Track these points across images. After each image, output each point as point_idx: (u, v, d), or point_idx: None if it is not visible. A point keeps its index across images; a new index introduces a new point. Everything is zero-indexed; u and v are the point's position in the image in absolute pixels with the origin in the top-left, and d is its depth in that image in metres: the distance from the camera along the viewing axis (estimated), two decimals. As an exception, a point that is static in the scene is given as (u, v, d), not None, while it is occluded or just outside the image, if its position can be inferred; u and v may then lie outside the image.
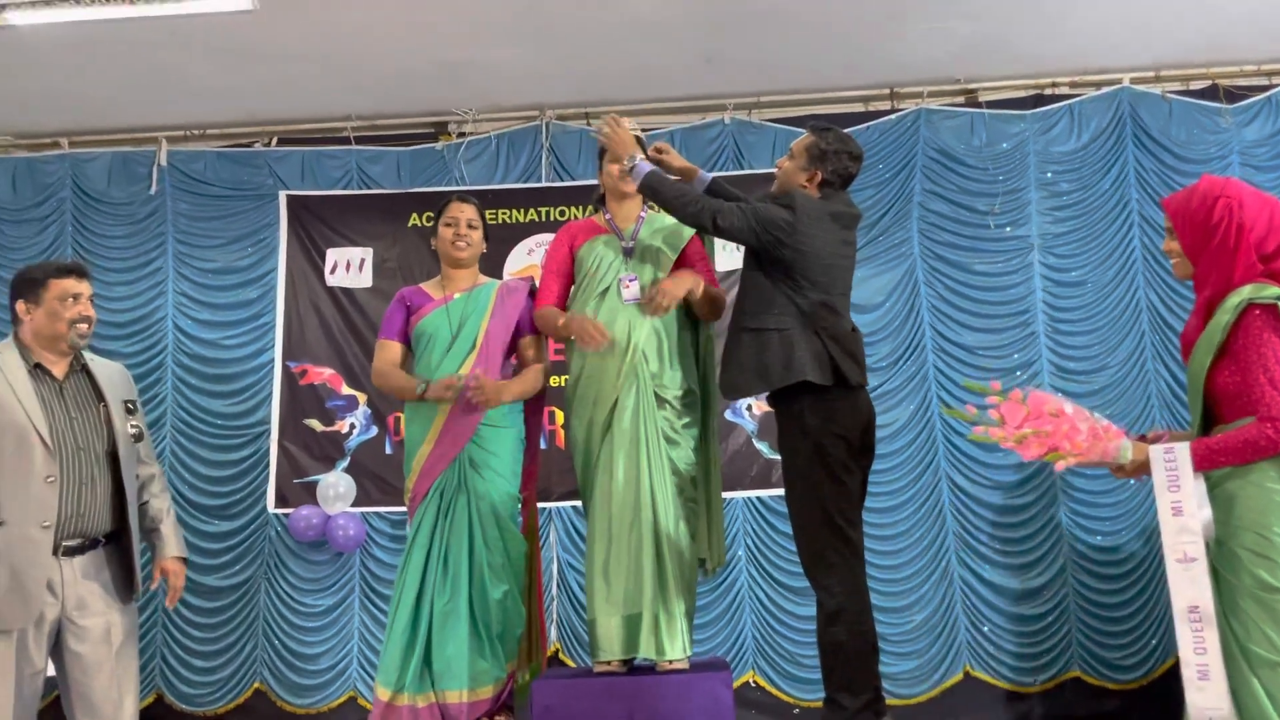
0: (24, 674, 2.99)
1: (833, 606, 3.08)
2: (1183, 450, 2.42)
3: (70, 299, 3.15)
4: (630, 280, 3.46)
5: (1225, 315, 2.41)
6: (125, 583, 3.20)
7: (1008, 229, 5.47)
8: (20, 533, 2.99)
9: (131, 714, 3.13)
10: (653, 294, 3.32)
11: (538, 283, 3.66)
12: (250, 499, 5.49)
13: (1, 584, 2.97)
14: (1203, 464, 2.42)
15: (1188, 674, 2.37)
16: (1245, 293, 2.40)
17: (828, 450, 3.12)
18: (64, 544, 3.06)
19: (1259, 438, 2.36)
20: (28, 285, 3.18)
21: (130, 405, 3.26)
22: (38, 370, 3.14)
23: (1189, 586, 2.38)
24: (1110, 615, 5.13)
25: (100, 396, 3.21)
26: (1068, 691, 5.13)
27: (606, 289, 3.48)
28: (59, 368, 3.18)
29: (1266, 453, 2.37)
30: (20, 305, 3.17)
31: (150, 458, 3.39)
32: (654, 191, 3.33)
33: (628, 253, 3.52)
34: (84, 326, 3.18)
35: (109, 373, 3.30)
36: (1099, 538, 5.20)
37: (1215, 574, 2.41)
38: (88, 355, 3.28)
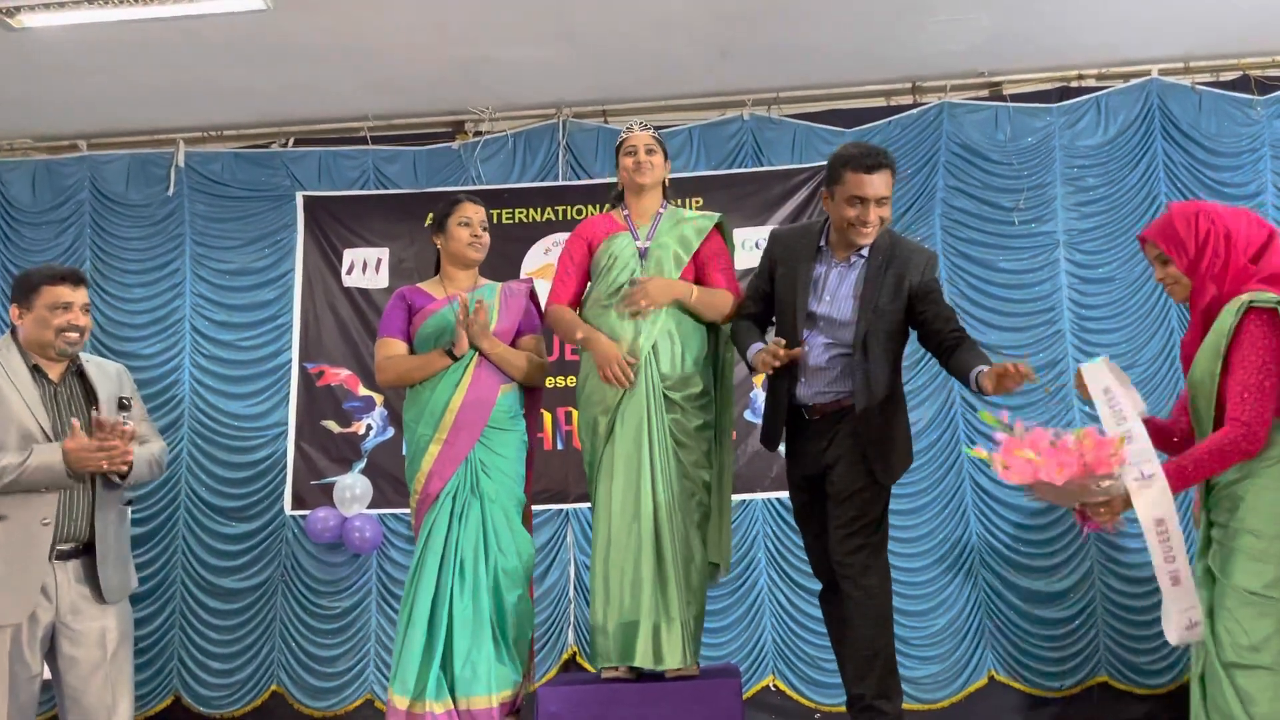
0: (19, 677, 2.99)
1: (874, 611, 3.11)
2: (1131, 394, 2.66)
3: (60, 308, 3.15)
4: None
5: (1229, 319, 2.48)
6: (117, 585, 3.19)
7: (1033, 225, 5.36)
8: (21, 528, 3.01)
9: (126, 717, 3.12)
10: (633, 293, 3.29)
11: (552, 281, 3.62)
12: (267, 501, 5.48)
13: None
14: (1179, 483, 2.49)
15: (1163, 580, 2.56)
16: (1245, 298, 2.48)
17: None
18: (58, 548, 3.06)
19: (1224, 442, 2.44)
20: (22, 289, 3.19)
21: (124, 401, 3.24)
22: (36, 371, 3.15)
23: (1153, 503, 2.52)
24: (1138, 619, 5.01)
25: (92, 401, 3.20)
26: (1094, 696, 5.01)
27: (619, 288, 3.43)
28: (54, 371, 3.19)
29: (1235, 457, 2.44)
30: (14, 309, 3.18)
31: (153, 436, 3.39)
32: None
33: (642, 253, 3.47)
34: (73, 335, 3.17)
35: (104, 373, 3.29)
36: (1127, 539, 5.08)
37: (1209, 574, 2.51)
38: (84, 357, 3.28)
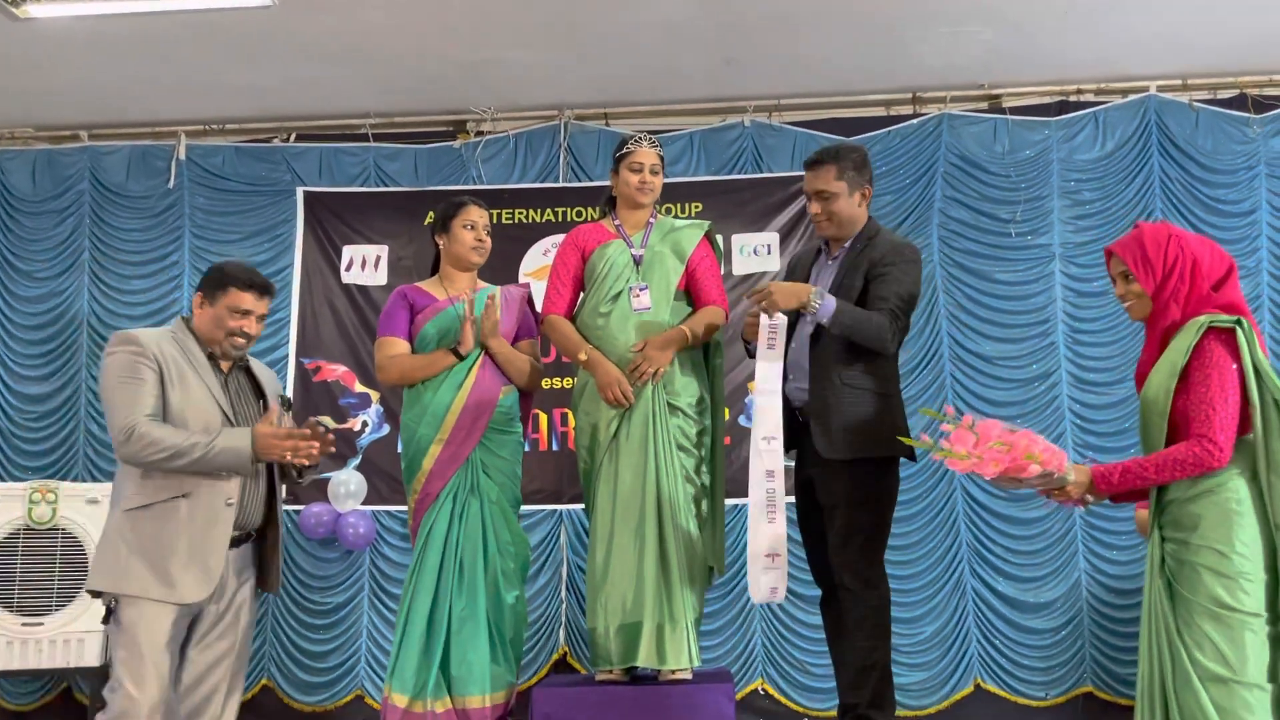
0: (174, 656, 2.97)
1: (871, 622, 3.16)
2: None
3: (240, 313, 3.12)
4: (641, 289, 3.44)
5: (1187, 339, 2.57)
6: (260, 578, 3.21)
7: (1029, 237, 5.40)
8: (205, 507, 2.98)
9: (234, 710, 3.12)
10: (639, 363, 3.32)
11: (545, 289, 3.64)
12: (261, 495, 5.48)
13: (180, 555, 2.94)
14: (1135, 480, 2.56)
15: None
16: (1204, 319, 2.58)
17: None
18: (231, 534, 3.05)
19: (1185, 455, 2.51)
20: (211, 282, 3.16)
21: (286, 400, 3.26)
22: (211, 359, 3.15)
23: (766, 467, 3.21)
24: (1125, 630, 5.05)
25: (260, 393, 3.22)
26: (1080, 707, 5.06)
27: (617, 295, 3.46)
28: (225, 363, 3.19)
29: (1192, 470, 2.51)
30: (198, 296, 3.17)
31: None
32: (850, 328, 3.15)
33: (637, 261, 3.49)
34: (240, 341, 3.15)
35: (265, 372, 3.32)
36: (1114, 552, 5.13)
37: (1170, 589, 2.55)
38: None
